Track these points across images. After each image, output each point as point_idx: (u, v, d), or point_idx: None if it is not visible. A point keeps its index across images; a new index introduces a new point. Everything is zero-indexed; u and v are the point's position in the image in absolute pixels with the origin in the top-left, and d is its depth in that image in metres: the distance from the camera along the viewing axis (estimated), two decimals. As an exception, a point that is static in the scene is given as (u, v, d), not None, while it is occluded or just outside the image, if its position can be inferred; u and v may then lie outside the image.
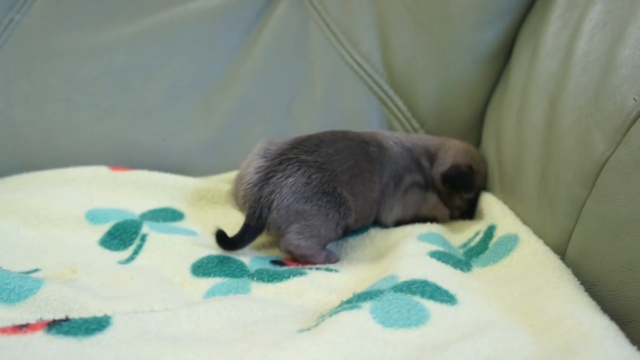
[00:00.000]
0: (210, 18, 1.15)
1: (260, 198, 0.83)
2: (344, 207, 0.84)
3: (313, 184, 0.83)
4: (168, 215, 0.93)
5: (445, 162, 0.96)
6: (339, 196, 0.84)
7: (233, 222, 0.91)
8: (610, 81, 0.72)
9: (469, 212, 0.97)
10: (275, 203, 0.82)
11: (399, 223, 0.94)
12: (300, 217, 0.83)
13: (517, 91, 0.94)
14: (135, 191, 0.99)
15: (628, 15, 0.75)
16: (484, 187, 0.99)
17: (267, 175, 0.83)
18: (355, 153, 0.89)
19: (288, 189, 0.82)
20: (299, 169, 0.83)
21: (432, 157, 0.97)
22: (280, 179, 0.83)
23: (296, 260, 0.85)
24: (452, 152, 0.97)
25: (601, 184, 0.68)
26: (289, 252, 0.85)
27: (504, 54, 1.06)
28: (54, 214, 0.89)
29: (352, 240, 0.91)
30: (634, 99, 0.67)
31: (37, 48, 1.11)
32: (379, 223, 0.94)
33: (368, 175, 0.89)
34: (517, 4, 1.03)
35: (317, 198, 0.83)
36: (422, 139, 1.00)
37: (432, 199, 0.95)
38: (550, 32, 0.90)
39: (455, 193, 0.96)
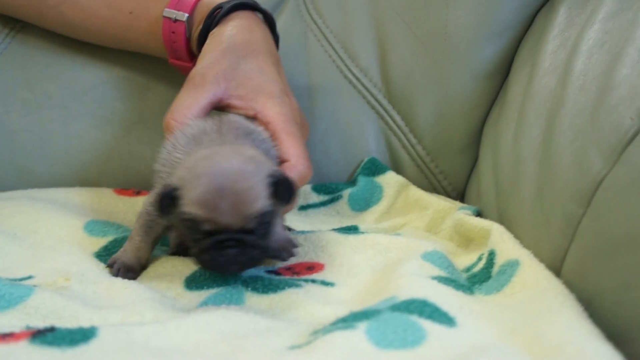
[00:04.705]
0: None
1: None
2: None
3: None
4: (165, 240, 0.92)
5: None
6: None
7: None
8: (607, 100, 0.72)
9: None
10: None
11: None
12: None
13: (514, 108, 0.94)
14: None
15: (626, 35, 0.75)
16: None
17: None
18: None
19: None
20: None
21: None
22: None
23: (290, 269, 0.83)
24: None
25: (597, 202, 0.68)
26: None
27: (503, 71, 1.06)
28: (53, 222, 0.89)
29: (354, 241, 0.87)
30: (631, 118, 0.67)
31: (37, 55, 1.11)
32: None
33: None
34: (516, 22, 1.04)
35: None
36: None
37: None
38: (549, 51, 0.90)
39: None
